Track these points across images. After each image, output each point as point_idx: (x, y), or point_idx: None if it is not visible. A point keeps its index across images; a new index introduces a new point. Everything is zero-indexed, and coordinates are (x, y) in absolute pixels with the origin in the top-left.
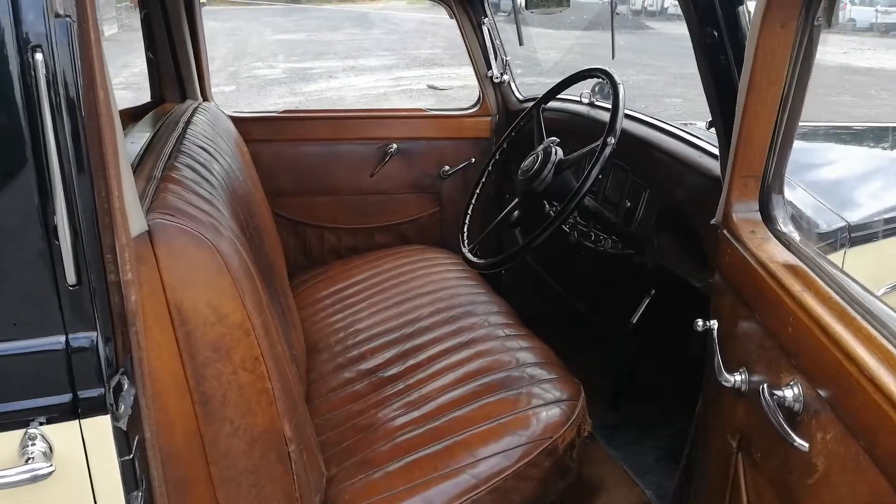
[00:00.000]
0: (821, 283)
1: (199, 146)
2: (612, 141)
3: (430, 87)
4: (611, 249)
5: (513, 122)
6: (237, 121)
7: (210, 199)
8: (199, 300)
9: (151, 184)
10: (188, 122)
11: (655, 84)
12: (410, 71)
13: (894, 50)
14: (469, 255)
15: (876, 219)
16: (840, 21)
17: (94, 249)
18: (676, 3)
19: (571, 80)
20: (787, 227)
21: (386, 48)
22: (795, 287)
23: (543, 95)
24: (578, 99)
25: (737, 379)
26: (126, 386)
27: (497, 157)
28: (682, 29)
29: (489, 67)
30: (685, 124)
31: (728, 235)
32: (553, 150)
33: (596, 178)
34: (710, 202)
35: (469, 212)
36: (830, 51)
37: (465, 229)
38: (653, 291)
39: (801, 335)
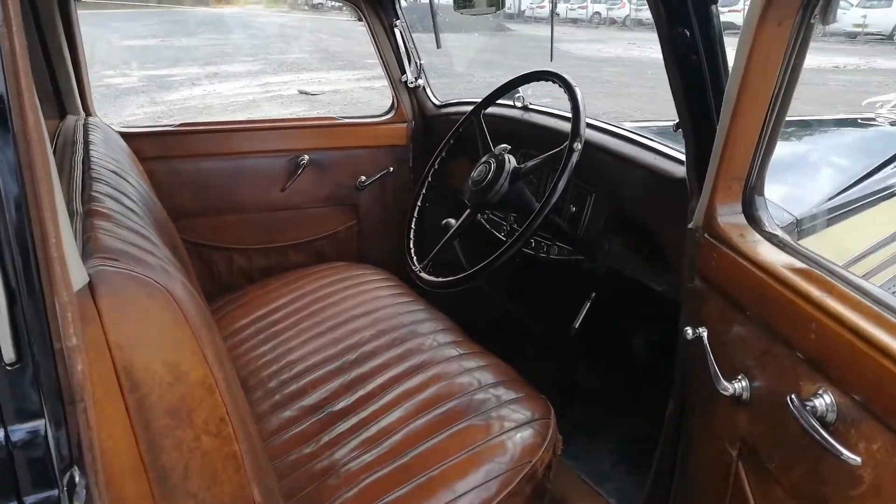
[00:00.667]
0: (841, 286)
1: (108, 169)
2: (579, 146)
3: (302, 92)
4: (555, 256)
5: (429, 128)
6: (127, 136)
7: (144, 232)
8: (152, 359)
9: (76, 221)
10: (87, 143)
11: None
12: (278, 76)
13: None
14: (423, 274)
15: (817, 210)
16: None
17: (34, 313)
18: (532, 6)
19: (515, 83)
20: (774, 229)
21: (249, 53)
22: (814, 292)
23: (483, 100)
24: (512, 103)
25: (736, 387)
26: (77, 478)
27: (436, 166)
28: (539, 30)
29: (403, 72)
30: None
31: (712, 239)
32: (506, 157)
33: (564, 187)
34: (663, 203)
35: (413, 226)
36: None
37: (412, 245)
38: (593, 295)
39: (828, 341)
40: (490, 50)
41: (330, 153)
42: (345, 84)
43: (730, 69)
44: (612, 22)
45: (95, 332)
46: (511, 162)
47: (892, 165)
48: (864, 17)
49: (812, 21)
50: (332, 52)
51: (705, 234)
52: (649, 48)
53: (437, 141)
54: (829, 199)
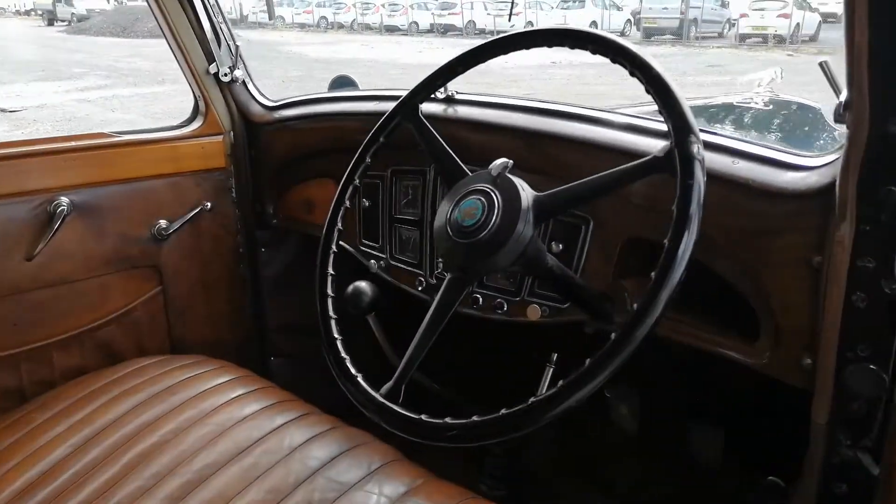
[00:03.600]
0: None
1: None
2: (700, 151)
3: None
4: (502, 316)
5: (260, 141)
6: None
7: None
8: None
9: None
10: None
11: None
12: None
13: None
14: (396, 408)
15: None
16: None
17: None
18: (255, 11)
19: (490, 51)
20: None
21: None
22: None
23: (415, 88)
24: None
25: None
26: None
27: (356, 182)
28: (265, 35)
29: (211, 59)
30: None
31: None
32: (516, 185)
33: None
34: (749, 232)
35: (328, 294)
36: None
37: (335, 335)
38: (555, 357)
39: None
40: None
41: (104, 190)
42: (52, 97)
43: None
44: (340, 26)
45: None
46: (525, 192)
47: None
48: (565, 17)
49: None
50: (25, 60)
51: None
52: (381, 49)
53: (277, 160)
54: None
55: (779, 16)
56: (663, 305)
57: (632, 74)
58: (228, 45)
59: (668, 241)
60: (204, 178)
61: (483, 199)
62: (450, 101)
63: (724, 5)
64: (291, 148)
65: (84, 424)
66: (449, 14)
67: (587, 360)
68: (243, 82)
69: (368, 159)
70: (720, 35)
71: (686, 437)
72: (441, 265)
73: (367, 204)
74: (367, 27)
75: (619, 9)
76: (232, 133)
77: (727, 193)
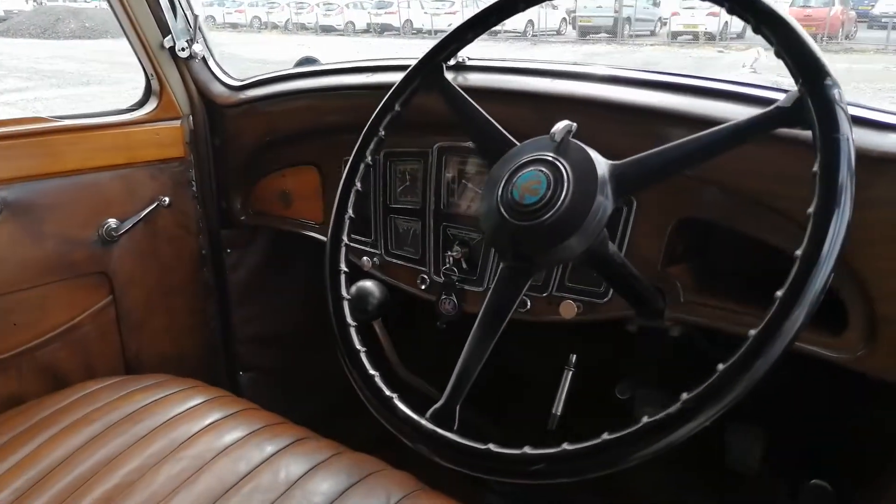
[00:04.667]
0: None
1: None
2: (839, 93)
3: None
4: (526, 316)
5: (225, 126)
6: None
7: None
8: None
9: None
10: None
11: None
12: None
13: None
14: (450, 435)
15: None
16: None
17: None
18: None
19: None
20: None
21: None
22: None
23: (438, 44)
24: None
25: None
26: None
27: (368, 159)
28: None
29: (166, 32)
30: None
31: None
32: (589, 153)
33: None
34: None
35: (343, 295)
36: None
37: (354, 337)
38: (574, 359)
39: None
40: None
41: (42, 185)
42: None
43: None
44: (275, 26)
45: None
46: (600, 160)
47: None
48: None
49: None
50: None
51: None
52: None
53: (244, 147)
54: None
55: (708, 14)
56: (815, 299)
57: (733, 13)
58: (186, 15)
59: (813, 218)
60: (160, 170)
61: (546, 170)
62: (460, 68)
63: (655, 4)
64: (262, 133)
65: (27, 465)
66: (385, 13)
67: (719, 367)
68: (203, 59)
69: (382, 131)
70: (652, 33)
71: (721, 440)
72: (451, 259)
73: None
74: (303, 27)
75: (554, 7)
76: (191, 117)
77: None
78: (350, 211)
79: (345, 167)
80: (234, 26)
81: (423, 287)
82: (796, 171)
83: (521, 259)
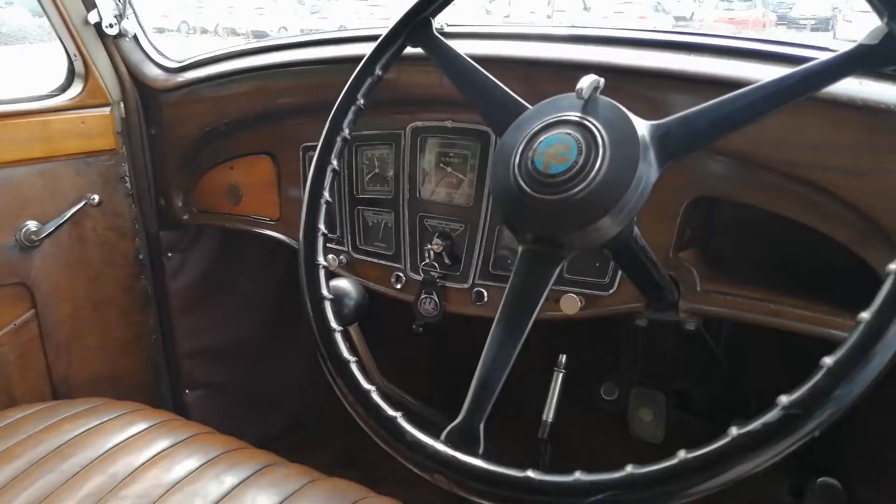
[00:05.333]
0: None
1: None
2: None
3: None
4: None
5: (163, 114)
6: None
7: None
8: None
9: None
10: None
11: None
12: None
13: None
14: (477, 462)
15: None
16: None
17: None
18: None
19: None
20: None
21: None
22: None
23: None
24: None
25: None
26: None
27: (346, 132)
28: None
29: (91, 7)
30: None
31: None
32: (624, 112)
33: None
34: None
35: (325, 294)
36: None
37: (340, 347)
38: (563, 359)
39: None
40: None
41: None
42: None
43: None
44: (204, 31)
45: None
46: (637, 120)
47: None
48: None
49: None
50: None
51: None
52: None
53: (185, 137)
54: None
55: (639, 18)
56: None
57: None
58: None
59: None
60: (87, 164)
61: (575, 132)
62: (442, 35)
63: (586, 9)
64: (205, 120)
65: None
66: (319, 18)
67: (825, 360)
68: (135, 37)
69: (361, 100)
70: None
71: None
72: (431, 253)
73: None
74: (234, 32)
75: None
76: (122, 104)
77: (852, 121)
78: (326, 195)
79: (304, 154)
80: (160, 31)
81: (398, 286)
82: (834, 138)
83: (544, 242)
